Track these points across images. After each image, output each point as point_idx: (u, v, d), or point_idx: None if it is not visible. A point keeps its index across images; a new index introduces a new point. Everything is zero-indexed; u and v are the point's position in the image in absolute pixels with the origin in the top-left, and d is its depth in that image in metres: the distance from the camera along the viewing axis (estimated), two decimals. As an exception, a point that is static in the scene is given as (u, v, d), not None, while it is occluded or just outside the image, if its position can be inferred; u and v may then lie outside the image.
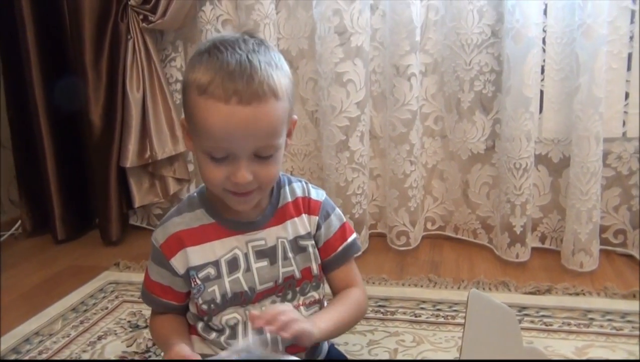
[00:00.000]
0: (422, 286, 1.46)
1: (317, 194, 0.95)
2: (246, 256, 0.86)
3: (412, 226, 1.68)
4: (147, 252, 1.73)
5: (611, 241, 1.61)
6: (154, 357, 1.16)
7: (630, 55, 1.50)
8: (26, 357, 1.18)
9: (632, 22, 1.48)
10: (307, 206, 0.92)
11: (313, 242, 0.91)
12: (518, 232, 1.56)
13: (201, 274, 0.86)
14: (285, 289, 0.89)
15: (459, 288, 1.44)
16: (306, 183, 0.96)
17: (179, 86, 1.80)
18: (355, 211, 1.65)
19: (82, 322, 1.32)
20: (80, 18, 1.69)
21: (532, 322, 1.26)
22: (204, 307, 0.87)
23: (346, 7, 1.53)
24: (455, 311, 1.32)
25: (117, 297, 1.45)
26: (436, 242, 1.77)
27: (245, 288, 0.86)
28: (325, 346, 0.96)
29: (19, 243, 1.92)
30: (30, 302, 1.45)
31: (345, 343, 1.18)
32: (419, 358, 1.14)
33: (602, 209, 1.57)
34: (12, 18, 1.74)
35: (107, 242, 1.85)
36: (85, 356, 1.18)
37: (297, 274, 0.89)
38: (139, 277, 1.56)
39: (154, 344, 1.22)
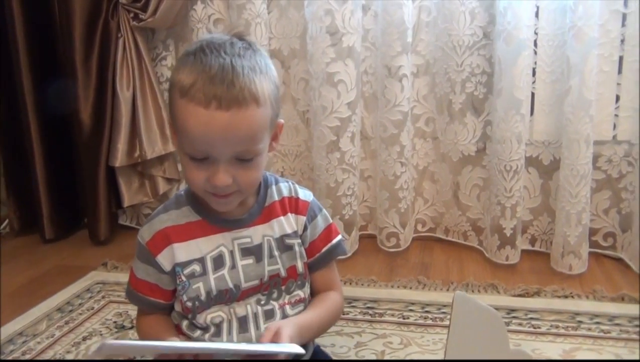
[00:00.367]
0: (411, 288, 1.45)
1: (305, 194, 0.95)
2: (232, 253, 0.86)
3: (403, 227, 1.67)
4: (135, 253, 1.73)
5: (601, 244, 1.61)
6: (138, 358, 1.15)
7: (621, 58, 1.50)
8: (9, 358, 1.16)
9: (623, 25, 1.48)
10: (294, 205, 0.93)
11: (299, 240, 0.92)
12: (508, 235, 1.55)
13: (186, 271, 0.86)
14: (270, 287, 0.88)
15: (447, 290, 1.44)
16: (293, 184, 0.96)
17: (169, 85, 1.78)
18: (345, 211, 1.64)
19: (67, 323, 1.31)
20: (70, 16, 1.67)
21: (520, 324, 1.25)
22: (189, 304, 0.86)
23: (338, 8, 1.52)
24: (443, 313, 1.31)
25: (103, 297, 1.44)
26: (426, 244, 1.76)
27: (231, 285, 0.86)
28: (311, 347, 0.96)
29: (6, 242, 1.90)
30: (16, 302, 1.44)
31: (332, 345, 1.17)
32: (406, 359, 1.13)
33: (592, 212, 1.57)
34: (2, 16, 1.72)
35: (95, 242, 1.83)
36: (69, 357, 1.17)
37: (283, 273, 0.89)
38: (126, 277, 1.51)
39: (139, 345, 1.21)
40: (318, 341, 1.03)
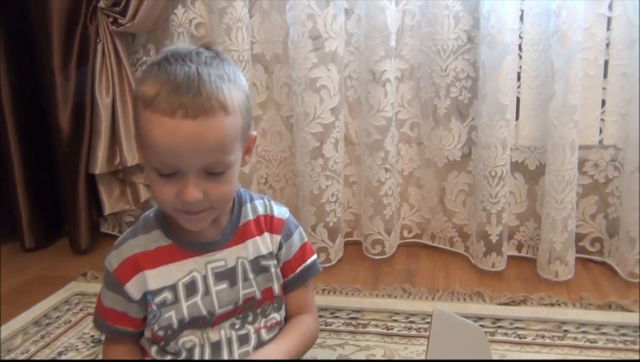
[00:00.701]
0: (395, 297, 1.43)
1: (280, 211, 0.92)
2: (205, 278, 0.83)
3: (388, 234, 1.65)
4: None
5: (588, 249, 1.59)
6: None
7: (606, 63, 1.49)
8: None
9: (608, 28, 1.46)
10: (269, 223, 0.89)
11: (275, 261, 0.88)
12: (494, 241, 1.53)
13: (157, 299, 0.82)
14: (245, 310, 0.85)
15: (433, 298, 1.42)
16: (268, 200, 0.93)
17: (150, 91, 1.75)
18: (329, 219, 1.62)
19: (42, 337, 1.28)
20: (48, 21, 1.64)
21: (505, 334, 1.23)
22: (160, 333, 0.83)
23: (320, 12, 1.50)
24: (428, 322, 1.28)
25: (81, 309, 1.40)
26: (412, 250, 1.74)
27: (204, 312, 0.82)
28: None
29: (-15, 251, 1.86)
30: (-6, 313, 1.40)
31: (314, 358, 1.15)
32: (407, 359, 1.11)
33: (578, 217, 1.55)
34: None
35: (76, 251, 1.80)
36: (44, 373, 1.14)
37: (258, 295, 0.86)
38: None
39: None
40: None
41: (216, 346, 0.83)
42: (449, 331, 0.82)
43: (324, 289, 1.47)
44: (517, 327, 1.26)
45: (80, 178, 1.73)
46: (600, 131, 1.53)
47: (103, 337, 0.93)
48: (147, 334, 0.87)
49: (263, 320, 0.87)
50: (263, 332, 0.86)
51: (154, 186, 0.77)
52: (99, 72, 1.66)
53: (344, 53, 1.58)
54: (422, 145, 1.67)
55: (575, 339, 1.21)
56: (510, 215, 1.60)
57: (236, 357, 0.83)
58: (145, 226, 0.85)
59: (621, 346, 1.17)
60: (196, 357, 0.83)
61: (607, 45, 1.47)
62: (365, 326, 1.29)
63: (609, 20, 1.46)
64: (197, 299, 0.82)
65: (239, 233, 0.86)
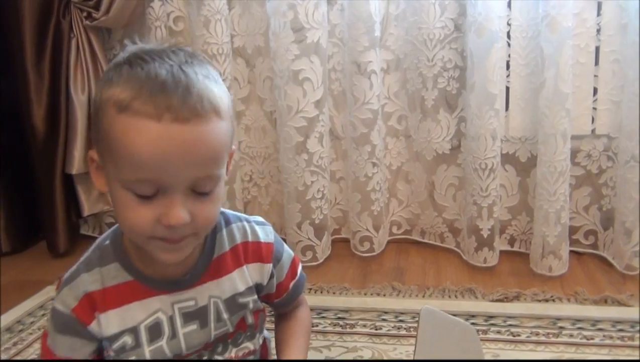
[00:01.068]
0: (384, 295, 1.38)
1: (265, 233, 0.78)
2: (171, 319, 0.71)
3: (376, 230, 1.60)
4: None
5: (582, 243, 1.55)
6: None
7: (597, 49, 1.44)
8: None
9: (598, 14, 1.42)
10: (253, 252, 0.76)
11: (255, 297, 0.76)
12: (485, 236, 1.49)
13: (116, 345, 0.70)
14: (215, 343, 0.75)
15: (423, 296, 1.37)
16: (248, 222, 0.78)
17: (127, 87, 1.69)
18: (315, 216, 1.56)
19: (15, 344, 1.22)
20: (19, 15, 1.58)
21: (498, 332, 1.19)
22: None
23: (301, 1, 1.44)
24: (418, 321, 1.23)
25: (57, 315, 1.35)
26: (402, 247, 1.69)
27: (170, 356, 0.72)
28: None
29: (-39, 256, 1.80)
30: (-35, 321, 1.34)
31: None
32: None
33: (572, 210, 1.51)
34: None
35: (55, 254, 1.73)
36: (14, 383, 1.08)
37: (231, 329, 0.75)
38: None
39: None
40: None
41: None
42: (437, 330, 0.77)
43: (311, 289, 1.41)
44: (510, 325, 1.21)
45: (57, 178, 1.66)
46: (593, 120, 1.48)
47: None
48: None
49: (234, 350, 0.77)
50: None
51: (126, 211, 0.62)
52: (74, 68, 1.60)
53: (327, 44, 1.52)
54: (410, 139, 1.62)
55: (571, 336, 1.16)
56: (501, 209, 1.55)
57: None
58: (102, 257, 0.71)
59: (619, 342, 1.13)
60: None
61: (598, 31, 1.43)
62: (353, 326, 1.24)
63: (599, 5, 1.41)
64: (162, 343, 0.71)
65: (212, 267, 0.73)
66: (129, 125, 0.59)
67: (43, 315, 1.35)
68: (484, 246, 1.49)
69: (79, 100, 1.61)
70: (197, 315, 0.72)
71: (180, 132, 0.59)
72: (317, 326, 1.24)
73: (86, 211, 1.72)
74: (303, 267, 0.86)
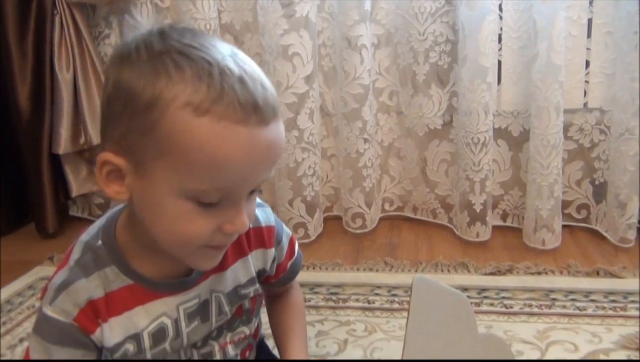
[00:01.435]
0: (377, 270, 1.37)
1: (266, 215, 0.74)
2: (176, 322, 0.67)
3: (368, 207, 1.59)
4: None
5: (574, 217, 1.54)
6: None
7: (590, 21, 1.43)
8: None
9: (591, -15, 1.40)
10: (256, 239, 0.73)
11: (257, 286, 0.74)
12: (478, 211, 1.48)
13: (117, 354, 0.65)
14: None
15: (416, 271, 1.36)
16: None
17: (114, 65, 1.66)
18: (307, 193, 1.55)
19: (4, 323, 1.20)
20: (1, -9, 1.54)
21: (491, 305, 1.18)
22: None
23: (290, -26, 1.42)
24: (410, 289, 1.23)
25: (46, 294, 1.33)
26: (394, 223, 1.68)
27: (170, 352, 0.68)
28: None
29: (-52, 239, 1.77)
30: (-49, 303, 1.32)
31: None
32: (369, 349, 1.05)
33: (564, 184, 1.50)
34: None
35: (43, 235, 1.71)
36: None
37: (229, 317, 0.73)
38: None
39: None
40: (264, 330, 0.94)
41: None
42: (430, 299, 0.76)
43: (303, 265, 1.38)
44: (503, 297, 1.21)
45: (44, 159, 1.64)
46: (585, 94, 1.47)
47: None
48: None
49: (229, 334, 0.73)
50: (229, 348, 0.73)
51: (182, 222, 0.56)
52: (58, 46, 1.56)
53: (317, 19, 1.50)
54: (402, 115, 1.61)
55: (564, 306, 1.16)
56: (494, 183, 1.55)
57: None
58: (96, 260, 0.64)
59: (611, 312, 1.13)
60: None
61: (591, 2, 1.41)
62: (345, 300, 1.24)
63: (592, -24, 1.40)
64: (166, 344, 0.67)
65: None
66: (214, 130, 0.52)
67: (32, 295, 1.33)
68: (476, 221, 1.49)
69: (64, 79, 1.58)
70: (200, 311, 0.69)
71: (265, 136, 0.54)
72: (309, 301, 1.23)
73: (74, 191, 1.69)
74: None
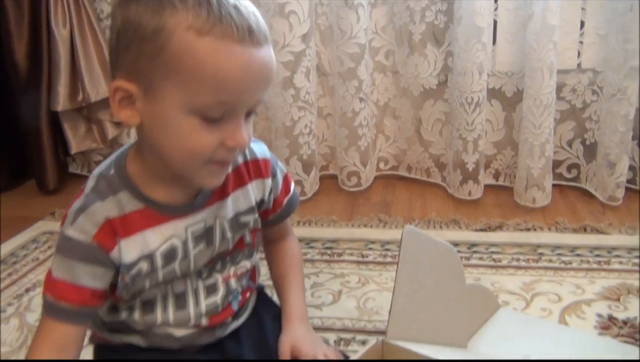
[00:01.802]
0: (371, 226, 1.41)
1: (261, 150, 0.79)
2: (184, 243, 0.72)
3: (363, 165, 1.62)
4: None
5: (565, 176, 1.58)
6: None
7: (586, -19, 1.43)
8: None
9: (588, -57, 1.40)
10: (254, 170, 0.77)
11: (256, 215, 0.78)
12: (470, 169, 1.51)
13: (133, 271, 0.70)
14: (215, 260, 0.77)
15: (409, 228, 1.40)
16: None
17: (110, 22, 1.66)
18: (303, 151, 1.58)
19: (10, 275, 1.25)
20: (-4, -54, 1.53)
21: (480, 259, 1.23)
22: (125, 296, 0.73)
23: None
24: (400, 240, 1.27)
25: (49, 247, 1.37)
26: (389, 182, 1.72)
27: (179, 275, 0.74)
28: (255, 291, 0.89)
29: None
30: (-44, 255, 1.36)
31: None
32: (362, 299, 1.10)
33: (555, 144, 1.53)
34: None
35: (44, 192, 1.74)
36: (10, 310, 1.11)
37: (230, 247, 0.77)
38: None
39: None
40: (264, 282, 0.98)
41: (180, 297, 0.75)
42: (419, 249, 0.80)
43: (299, 221, 1.44)
44: (492, 252, 1.25)
45: (43, 116, 1.65)
46: (579, 54, 1.49)
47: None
48: None
49: (233, 268, 0.78)
50: (232, 281, 0.78)
51: (188, 136, 0.62)
52: (54, 1, 1.56)
53: (314, -24, 1.50)
54: (398, 75, 1.62)
55: (550, 261, 1.21)
56: (487, 143, 1.57)
57: (203, 308, 0.76)
58: (110, 185, 0.69)
59: (595, 266, 1.17)
60: (158, 310, 0.74)
61: (587, -39, 1.41)
62: (340, 254, 1.28)
63: None
64: (175, 264, 0.72)
65: (218, 189, 0.73)
66: (215, 48, 0.58)
67: (35, 248, 1.37)
68: (468, 179, 1.52)
69: (61, 35, 1.58)
70: (205, 235, 0.73)
71: (259, 55, 0.60)
72: (305, 255, 1.27)
73: (74, 148, 1.71)
74: None
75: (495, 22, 1.49)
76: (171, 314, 0.74)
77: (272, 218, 0.83)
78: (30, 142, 1.71)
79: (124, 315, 0.74)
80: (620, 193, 1.44)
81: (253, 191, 0.77)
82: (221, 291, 0.77)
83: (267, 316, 0.83)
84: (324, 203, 1.60)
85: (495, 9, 1.48)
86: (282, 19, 1.46)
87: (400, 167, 1.73)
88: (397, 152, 1.71)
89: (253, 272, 0.85)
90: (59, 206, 1.60)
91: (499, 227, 1.36)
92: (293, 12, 1.46)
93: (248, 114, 0.64)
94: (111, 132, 1.71)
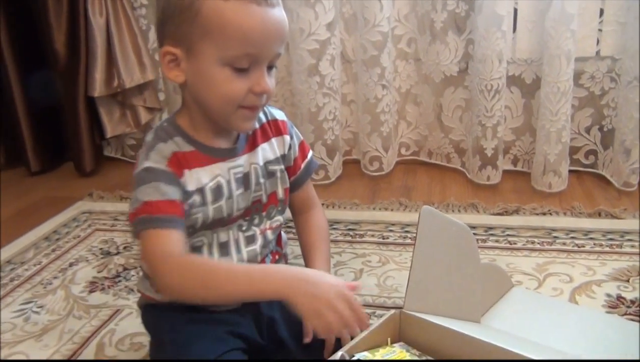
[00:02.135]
0: (392, 210, 1.47)
1: (279, 113, 0.94)
2: (228, 183, 0.84)
3: (385, 151, 1.67)
4: (122, 183, 1.74)
5: (582, 162, 1.61)
6: (123, 283, 1.18)
7: (607, -30, 1.46)
8: (-2, 285, 1.20)
9: None
10: (275, 128, 0.91)
11: (282, 167, 0.91)
12: (489, 155, 1.56)
13: (190, 201, 0.81)
14: (252, 213, 0.88)
15: (428, 210, 1.46)
16: (265, 106, 0.92)
17: (144, 11, 1.74)
18: (327, 136, 1.64)
19: (54, 250, 1.34)
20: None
21: (497, 241, 1.28)
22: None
23: None
24: (418, 219, 1.33)
25: (89, 226, 1.46)
26: (410, 167, 1.77)
27: (225, 215, 0.85)
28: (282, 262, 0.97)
29: (-8, 176, 1.91)
30: (4, 232, 1.46)
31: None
32: (382, 277, 1.16)
33: (573, 130, 1.57)
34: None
35: (81, 174, 1.84)
36: (56, 282, 1.20)
37: (264, 199, 0.89)
38: (112, 206, 1.57)
39: (124, 269, 1.24)
40: (293, 261, 1.06)
41: (224, 246, 0.86)
42: (436, 228, 0.86)
43: (323, 204, 1.50)
44: (508, 235, 1.30)
45: (80, 101, 1.74)
46: (598, 42, 1.51)
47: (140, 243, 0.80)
48: None
49: (268, 222, 0.90)
50: (269, 233, 0.90)
51: (223, 84, 0.76)
52: (91, -8, 1.64)
53: (339, -33, 1.55)
54: (419, 62, 1.67)
55: (564, 244, 1.25)
56: (506, 129, 1.62)
57: (244, 255, 0.86)
58: (167, 133, 0.83)
59: (607, 249, 1.22)
60: (205, 256, 0.85)
61: (608, -49, 1.44)
62: (362, 235, 1.34)
63: None
64: (222, 202, 0.84)
65: (250, 141, 0.88)
66: (238, 9, 0.74)
67: (76, 226, 1.46)
68: (487, 165, 1.57)
69: (98, 24, 1.66)
70: (243, 179, 0.86)
71: (274, 14, 0.76)
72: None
73: (109, 132, 1.80)
74: (315, 187, 1.01)
75: (515, 10, 1.53)
76: (235, 256, 0.86)
77: (293, 180, 0.94)
78: (68, 127, 1.80)
79: None
80: (635, 179, 1.48)
81: (276, 145, 0.91)
82: (259, 240, 0.88)
83: None
84: (346, 187, 1.67)
85: (516, -3, 1.51)
86: (308, 8, 1.52)
87: (421, 153, 1.78)
88: (418, 137, 1.76)
89: (279, 239, 0.96)
90: (96, 187, 1.70)
91: (516, 212, 1.41)
92: (319, 2, 1.51)
93: (270, 68, 0.78)
94: (144, 117, 1.79)
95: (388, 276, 1.17)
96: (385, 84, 1.60)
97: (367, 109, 1.64)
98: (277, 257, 0.93)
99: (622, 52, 1.47)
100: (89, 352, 0.97)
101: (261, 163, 0.88)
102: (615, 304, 1.03)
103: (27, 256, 1.32)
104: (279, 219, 0.92)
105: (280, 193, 0.91)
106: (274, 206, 0.91)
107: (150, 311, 0.89)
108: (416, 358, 0.79)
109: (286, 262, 0.99)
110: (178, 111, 0.86)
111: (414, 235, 1.31)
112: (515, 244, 1.27)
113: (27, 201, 1.68)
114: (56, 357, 0.96)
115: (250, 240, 0.88)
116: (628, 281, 1.10)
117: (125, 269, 1.24)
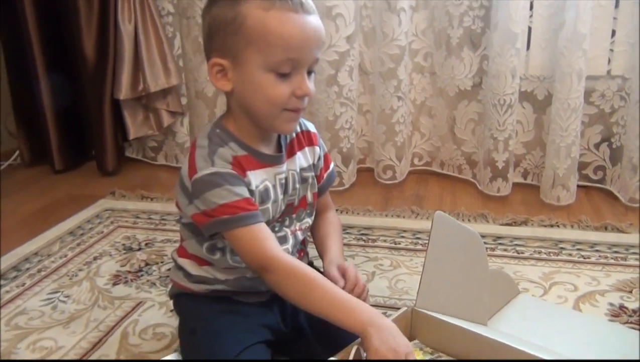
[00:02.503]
0: (404, 217, 1.52)
1: (311, 125, 1.00)
2: (274, 187, 0.89)
3: (399, 160, 1.73)
4: (142, 183, 1.80)
5: (591, 178, 1.66)
6: (146, 277, 1.24)
7: (619, -8, 1.51)
8: (25, 275, 1.25)
9: (623, -44, 1.47)
10: (307, 138, 0.97)
11: (313, 173, 0.97)
12: (500, 167, 1.61)
13: None
14: (284, 215, 0.94)
15: (439, 219, 1.50)
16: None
17: (171, 19, 1.81)
18: (343, 145, 1.69)
19: (78, 245, 1.40)
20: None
21: (505, 250, 1.32)
22: None
23: (336, -61, 1.52)
24: (431, 224, 1.38)
25: (112, 222, 1.52)
26: (422, 177, 1.82)
27: (270, 217, 0.90)
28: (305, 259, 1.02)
29: (18, 173, 1.97)
30: (29, 226, 1.52)
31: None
32: (394, 280, 1.21)
33: (583, 146, 1.61)
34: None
35: (103, 173, 1.90)
36: (81, 275, 1.25)
37: (296, 202, 0.95)
38: (133, 205, 1.63)
39: (147, 265, 1.29)
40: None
41: None
42: (447, 233, 0.91)
43: (337, 209, 1.55)
44: (516, 244, 1.35)
45: (106, 103, 1.81)
46: (609, 62, 1.56)
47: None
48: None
49: (298, 224, 0.95)
50: (299, 233, 0.95)
51: (268, 89, 0.81)
52: (121, 0, 1.71)
53: (360, -18, 1.61)
54: (435, 75, 1.72)
55: (570, 255, 1.29)
56: (517, 143, 1.66)
57: None
58: (222, 139, 0.87)
59: (612, 261, 1.26)
60: None
61: (621, -26, 1.49)
62: (374, 241, 1.39)
63: (624, -52, 1.47)
64: (269, 205, 0.88)
65: (289, 148, 0.93)
66: (279, 18, 0.79)
67: (100, 223, 1.52)
68: (498, 177, 1.61)
69: (126, 30, 1.73)
70: (284, 185, 0.91)
71: (311, 21, 0.81)
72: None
73: (132, 134, 1.86)
74: (330, 192, 1.07)
75: (529, 29, 1.58)
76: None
77: (318, 188, 0.99)
78: (93, 127, 1.87)
79: (218, 255, 0.90)
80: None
81: (309, 154, 0.97)
82: (291, 240, 0.94)
83: None
84: (360, 194, 1.72)
85: (531, 16, 1.57)
86: (330, 21, 1.58)
87: (433, 163, 1.83)
88: (431, 148, 1.81)
89: (303, 238, 1.01)
90: (118, 186, 1.76)
91: (524, 223, 1.45)
92: (340, 15, 1.57)
93: (309, 73, 0.84)
94: (166, 120, 1.86)
95: (399, 279, 1.22)
96: (401, 96, 1.66)
97: (382, 120, 1.69)
98: (302, 254, 0.99)
99: (632, 71, 1.51)
100: (114, 340, 1.02)
101: (297, 170, 0.94)
102: (618, 313, 1.07)
103: (53, 248, 1.38)
104: (308, 221, 0.98)
105: (309, 197, 0.97)
106: (304, 209, 0.96)
107: (184, 300, 0.95)
108: (429, 356, 0.84)
109: (308, 259, 1.04)
110: (224, 118, 0.90)
111: (425, 241, 1.37)
112: (522, 253, 1.31)
113: (51, 197, 1.74)
114: (83, 344, 1.02)
115: (283, 240, 0.92)
116: (631, 291, 1.14)
117: (147, 264, 1.29)
